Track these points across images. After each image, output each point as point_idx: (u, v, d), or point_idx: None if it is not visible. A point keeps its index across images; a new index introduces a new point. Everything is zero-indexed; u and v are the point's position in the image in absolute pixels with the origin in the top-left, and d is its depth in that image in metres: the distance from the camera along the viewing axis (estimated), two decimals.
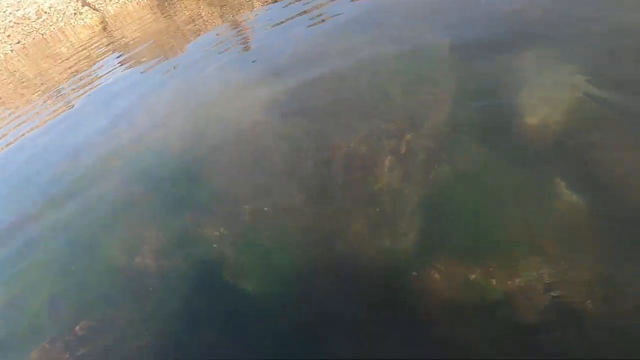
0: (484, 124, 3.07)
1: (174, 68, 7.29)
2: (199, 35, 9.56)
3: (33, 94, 10.27)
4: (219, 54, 7.14)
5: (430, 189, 2.78)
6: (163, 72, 7.41)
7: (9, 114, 9.22)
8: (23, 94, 10.88)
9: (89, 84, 8.73)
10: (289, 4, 8.31)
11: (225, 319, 2.59)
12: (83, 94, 8.22)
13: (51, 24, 23.17)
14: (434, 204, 2.69)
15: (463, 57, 3.93)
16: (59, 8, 23.23)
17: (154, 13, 16.77)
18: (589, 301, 1.90)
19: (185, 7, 14.26)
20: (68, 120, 7.03)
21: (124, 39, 12.81)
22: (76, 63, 11.78)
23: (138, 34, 12.66)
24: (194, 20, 11.44)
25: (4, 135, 7.76)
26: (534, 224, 2.30)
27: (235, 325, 2.50)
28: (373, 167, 3.11)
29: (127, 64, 9.03)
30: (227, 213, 3.33)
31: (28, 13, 22.80)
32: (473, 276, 2.17)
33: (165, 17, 14.51)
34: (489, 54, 3.74)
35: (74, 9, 23.17)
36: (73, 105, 7.72)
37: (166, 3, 17.99)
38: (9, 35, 22.09)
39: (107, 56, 10.97)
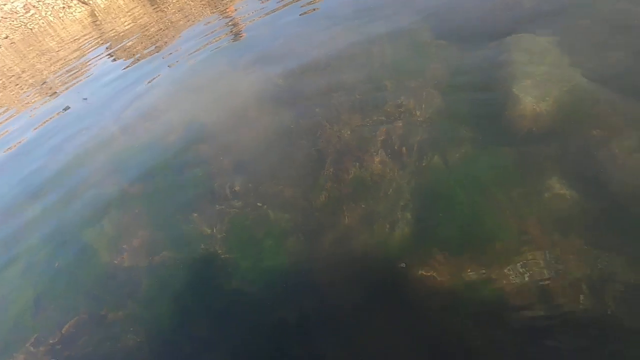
0: (475, 114, 3.01)
1: (166, 62, 7.12)
2: (189, 26, 9.38)
3: (21, 89, 10.06)
4: (209, 44, 7.02)
5: (421, 179, 2.73)
6: (152, 65, 7.27)
7: None
8: (11, 89, 10.66)
9: (78, 77, 8.55)
10: None
11: (216, 316, 2.51)
12: (71, 86, 8.06)
13: (40, 18, 22.79)
14: (425, 194, 2.64)
15: (454, 44, 3.86)
16: (47, 2, 22.82)
17: (144, 6, 16.50)
18: (579, 292, 1.89)
19: None
20: (56, 114, 6.88)
21: (114, 32, 12.59)
22: (66, 57, 11.55)
23: (128, 27, 12.44)
24: (184, 12, 11.24)
25: None
26: (525, 215, 2.27)
27: (227, 321, 2.43)
28: (363, 158, 3.04)
29: (118, 57, 8.87)
30: (217, 206, 3.24)
31: (16, 7, 22.37)
32: (464, 267, 2.15)
33: (155, 9, 14.26)
34: (480, 42, 3.68)
35: (63, 3, 22.76)
36: (62, 100, 7.55)
37: None
38: None
39: (97, 50, 10.77)
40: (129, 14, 15.48)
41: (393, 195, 2.69)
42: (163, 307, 2.69)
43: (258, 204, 3.09)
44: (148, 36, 9.96)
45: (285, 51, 5.34)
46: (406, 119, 3.20)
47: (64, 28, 19.60)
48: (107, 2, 22.30)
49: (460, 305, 2.04)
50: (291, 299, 2.39)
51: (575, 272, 1.96)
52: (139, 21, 12.66)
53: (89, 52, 10.92)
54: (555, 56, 3.16)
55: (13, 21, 22.06)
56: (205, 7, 10.59)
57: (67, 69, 9.94)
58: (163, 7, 13.76)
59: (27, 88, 9.86)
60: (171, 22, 10.59)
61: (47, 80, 9.74)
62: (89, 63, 9.54)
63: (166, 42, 8.60)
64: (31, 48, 17.09)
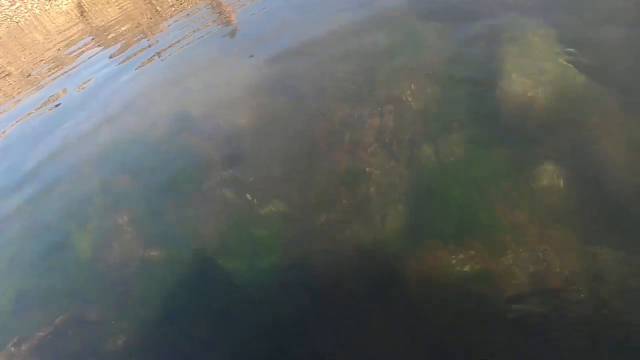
0: (465, 101, 2.93)
1: (158, 56, 6.92)
2: (179, 14, 9.13)
3: (9, 84, 9.81)
4: (198, 31, 6.84)
5: (413, 170, 2.67)
6: (142, 56, 7.07)
7: None
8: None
9: (66, 70, 8.33)
10: None
11: (207, 312, 2.40)
12: (58, 79, 7.85)
13: (26, 11, 22.32)
14: (417, 186, 2.57)
15: (443, 27, 3.77)
16: None
17: None
18: (572, 284, 1.86)
19: None
20: (44, 107, 6.68)
21: (102, 23, 12.31)
22: (53, 49, 11.29)
23: (116, 17, 12.14)
24: (173, 1, 10.95)
25: None
26: (518, 206, 2.24)
27: (217, 317, 2.33)
28: (354, 150, 2.95)
29: (106, 49, 8.65)
30: (207, 199, 3.11)
31: (0, 0, 21.84)
32: (456, 260, 2.10)
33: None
34: (470, 25, 3.59)
35: None
36: (47, 92, 7.34)
37: None
38: None
39: (84, 41, 10.52)
40: (116, 4, 15.12)
41: (386, 188, 2.61)
42: (152, 305, 2.57)
43: (247, 195, 2.95)
44: (136, 25, 9.75)
45: (275, 37, 5.18)
46: (397, 109, 3.09)
47: (50, 20, 19.21)
48: None
49: (454, 300, 1.98)
50: (284, 294, 2.29)
51: (569, 264, 1.92)
52: (127, 11, 12.36)
53: (75, 44, 10.66)
54: (549, 43, 3.06)
55: None
56: None
57: (54, 61, 9.70)
58: None
59: (13, 80, 9.61)
60: (158, 11, 10.33)
61: (33, 72, 9.50)
62: (75, 54, 9.29)
63: (155, 31, 8.40)
64: (17, 41, 16.72)
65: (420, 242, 2.24)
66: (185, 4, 9.77)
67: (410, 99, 3.15)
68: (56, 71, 8.51)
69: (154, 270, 2.77)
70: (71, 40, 11.60)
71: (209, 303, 2.45)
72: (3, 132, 6.21)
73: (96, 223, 3.34)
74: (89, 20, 14.21)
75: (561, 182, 2.24)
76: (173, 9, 9.98)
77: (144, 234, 3.06)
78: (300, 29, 5.07)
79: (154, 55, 6.70)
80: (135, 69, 6.37)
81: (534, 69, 2.88)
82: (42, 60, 10.43)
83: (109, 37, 9.60)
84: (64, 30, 13.89)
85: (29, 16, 22.24)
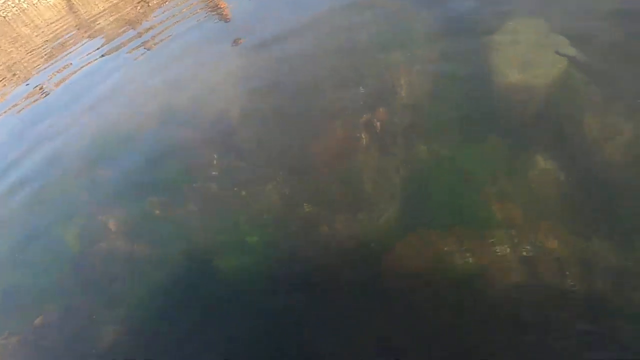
0: (457, 91, 2.89)
1: (142, 41, 6.78)
2: (167, 3, 8.95)
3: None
4: (189, 23, 6.67)
5: (405, 161, 2.63)
6: (130, 46, 6.94)
7: None
8: None
9: (54, 63, 8.18)
10: None
11: (196, 305, 2.36)
12: (45, 71, 7.71)
13: (13, 5, 21.89)
14: (409, 177, 2.54)
15: (434, 16, 3.69)
16: None
17: None
18: (562, 273, 1.84)
19: None
20: (31, 98, 6.54)
21: (90, 15, 12.09)
22: (41, 42, 11.09)
23: (104, 9, 11.92)
24: None
25: None
26: (510, 197, 2.21)
27: (207, 311, 2.28)
28: (346, 143, 2.90)
29: (93, 40, 8.49)
30: (196, 193, 3.05)
31: None
32: (449, 251, 2.08)
33: None
34: (462, 15, 3.53)
35: None
36: (36, 84, 7.20)
37: None
38: None
39: (72, 34, 10.33)
40: None
41: (378, 180, 2.57)
42: (140, 300, 2.52)
43: (235, 188, 2.89)
44: (124, 16, 9.55)
45: (265, 28, 5.06)
46: (388, 100, 3.04)
47: (38, 14, 18.89)
48: None
49: (446, 289, 1.96)
50: (276, 286, 2.25)
51: (560, 254, 1.90)
52: (114, 3, 12.14)
53: (63, 37, 10.47)
54: (541, 27, 3.02)
55: None
56: None
57: (41, 54, 9.53)
58: None
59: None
60: (146, 1, 10.14)
61: (21, 66, 9.33)
62: (63, 47, 9.13)
63: (143, 21, 8.24)
64: (5, 36, 16.44)
65: (409, 234, 2.20)
66: None
67: (401, 88, 3.10)
68: (44, 63, 8.35)
69: (142, 266, 2.72)
70: (59, 33, 11.40)
71: (198, 297, 2.41)
72: None
73: (82, 216, 3.27)
74: (77, 13, 13.97)
75: (552, 171, 2.22)
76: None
77: (130, 227, 3.00)
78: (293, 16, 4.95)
79: (141, 45, 6.59)
80: (123, 59, 6.27)
81: (527, 59, 2.84)
82: (29, 53, 10.25)
83: (97, 28, 9.44)
84: (52, 24, 13.66)
85: (16, 10, 21.85)
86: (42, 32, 12.76)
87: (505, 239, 2.02)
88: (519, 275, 1.89)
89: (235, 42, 5.03)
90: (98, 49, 7.52)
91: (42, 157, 4.37)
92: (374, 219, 2.38)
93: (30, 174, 4.15)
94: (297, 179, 2.82)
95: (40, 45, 10.66)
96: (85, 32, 9.80)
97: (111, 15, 10.42)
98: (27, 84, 7.47)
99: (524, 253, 1.95)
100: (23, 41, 12.86)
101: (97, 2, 14.21)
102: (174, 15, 7.44)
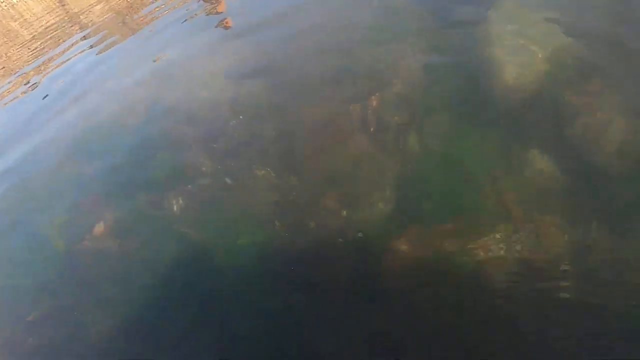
0: (451, 83, 2.85)
1: (133, 33, 6.67)
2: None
3: None
4: (183, 18, 6.53)
5: (399, 155, 2.59)
6: (120, 37, 6.84)
7: None
8: None
9: (43, 56, 8.06)
10: None
11: (189, 302, 2.32)
12: (34, 63, 7.61)
13: (2, 0, 21.52)
14: (403, 171, 2.50)
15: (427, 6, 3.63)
16: None
17: None
18: (558, 267, 1.84)
19: None
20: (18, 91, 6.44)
21: (82, 11, 11.89)
22: (30, 37, 10.93)
23: (97, 5, 11.75)
24: None
25: None
26: (505, 190, 2.20)
27: (198, 308, 2.24)
28: (337, 135, 2.86)
29: (83, 32, 8.39)
30: (187, 188, 2.97)
31: None
32: (444, 245, 2.07)
33: None
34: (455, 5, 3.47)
35: None
36: (26, 78, 7.09)
37: None
38: None
39: (63, 28, 10.18)
40: None
41: (371, 173, 2.53)
42: (130, 298, 2.47)
43: (227, 180, 2.83)
44: (115, 8, 9.40)
45: (258, 22, 4.93)
46: (380, 91, 2.98)
47: (28, 9, 18.62)
48: None
49: (441, 284, 1.95)
50: (270, 283, 2.22)
51: (556, 247, 1.88)
52: None
53: (53, 31, 10.31)
54: (537, 17, 2.97)
55: None
56: None
57: (31, 48, 9.38)
58: None
59: None
60: None
61: (10, 61, 9.19)
62: (53, 41, 8.99)
63: (134, 14, 8.10)
64: None
65: (406, 230, 2.17)
66: None
67: (393, 79, 3.04)
68: (34, 58, 8.22)
69: (134, 262, 2.65)
70: (49, 27, 11.23)
71: (193, 292, 2.36)
72: None
73: (70, 212, 3.19)
74: (67, 7, 13.77)
75: (547, 163, 2.19)
76: None
77: (122, 223, 2.92)
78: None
79: (134, 38, 6.50)
80: (114, 51, 6.19)
81: (522, 50, 2.79)
82: (19, 47, 10.10)
83: (86, 21, 9.31)
84: (41, 17, 13.46)
85: (5, 5, 21.52)
86: (32, 26, 12.58)
87: (503, 235, 1.99)
88: (519, 274, 1.87)
89: (224, 24, 4.93)
90: (84, 38, 7.41)
91: (25, 151, 4.28)
92: (370, 214, 2.34)
93: (13, 166, 4.07)
94: (290, 174, 2.77)
95: (29, 40, 10.51)
96: (76, 26, 9.66)
97: (102, 9, 10.27)
98: (15, 78, 7.35)
99: (523, 250, 1.92)
100: (12, 36, 12.69)
101: None
102: (168, 10, 7.33)
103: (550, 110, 2.43)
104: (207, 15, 6.11)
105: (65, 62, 6.82)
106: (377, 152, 2.63)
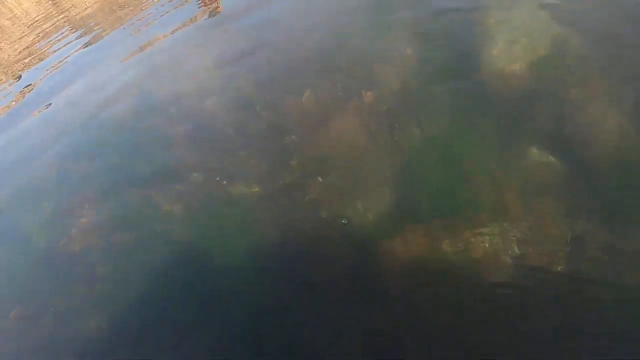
0: (448, 75, 2.83)
1: (127, 30, 6.60)
2: None
3: None
4: (174, 11, 6.49)
5: (394, 149, 2.58)
6: (114, 34, 6.78)
7: None
8: None
9: (35, 53, 7.95)
10: None
11: (180, 301, 2.30)
12: (26, 60, 7.55)
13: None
14: (398, 165, 2.49)
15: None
16: None
17: None
18: (558, 266, 1.83)
19: None
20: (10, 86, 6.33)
21: (72, 5, 11.76)
22: (21, 34, 10.78)
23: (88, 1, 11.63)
24: None
25: None
26: (502, 184, 2.19)
27: (189, 306, 2.22)
28: (332, 128, 2.84)
29: (78, 32, 8.24)
30: (177, 184, 2.95)
31: None
32: (440, 239, 2.06)
33: None
34: None
35: None
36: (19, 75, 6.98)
37: None
38: None
39: (56, 26, 10.04)
40: None
41: (366, 166, 2.51)
42: (118, 294, 2.44)
43: (217, 178, 2.80)
44: (110, 6, 9.30)
45: (253, 16, 4.92)
46: (376, 83, 2.98)
47: (18, 5, 18.41)
48: None
49: (438, 278, 1.94)
50: (264, 280, 2.20)
51: (553, 241, 1.88)
52: None
53: (43, 27, 10.19)
54: (535, 8, 2.97)
55: None
56: None
57: (23, 45, 9.27)
58: None
59: None
60: None
61: (3, 59, 9.06)
62: (44, 37, 8.88)
63: (129, 11, 8.02)
64: None
65: (402, 225, 2.16)
66: None
67: (388, 72, 3.03)
68: (26, 55, 8.13)
69: (124, 257, 2.62)
70: (41, 24, 11.09)
71: (183, 290, 2.34)
72: None
73: (56, 210, 3.14)
74: (58, 4, 13.62)
75: (544, 157, 2.18)
76: None
77: (110, 220, 2.88)
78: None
79: (128, 35, 6.42)
80: (108, 46, 6.16)
81: (519, 42, 2.79)
82: (10, 45, 9.95)
83: (78, 18, 9.23)
84: (31, 13, 13.31)
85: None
86: (23, 24, 12.43)
87: (500, 231, 1.99)
88: (519, 273, 1.85)
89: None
90: (78, 37, 7.31)
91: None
92: (363, 206, 2.34)
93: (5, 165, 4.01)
94: (286, 170, 2.74)
95: (20, 37, 10.37)
96: (67, 22, 9.56)
97: (94, 5, 10.16)
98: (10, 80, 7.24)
99: (514, 240, 1.93)
100: (3, 33, 12.52)
101: None
102: (163, 5, 7.27)
103: (546, 103, 2.43)
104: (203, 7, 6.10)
105: (52, 53, 6.73)
106: (372, 146, 2.62)
